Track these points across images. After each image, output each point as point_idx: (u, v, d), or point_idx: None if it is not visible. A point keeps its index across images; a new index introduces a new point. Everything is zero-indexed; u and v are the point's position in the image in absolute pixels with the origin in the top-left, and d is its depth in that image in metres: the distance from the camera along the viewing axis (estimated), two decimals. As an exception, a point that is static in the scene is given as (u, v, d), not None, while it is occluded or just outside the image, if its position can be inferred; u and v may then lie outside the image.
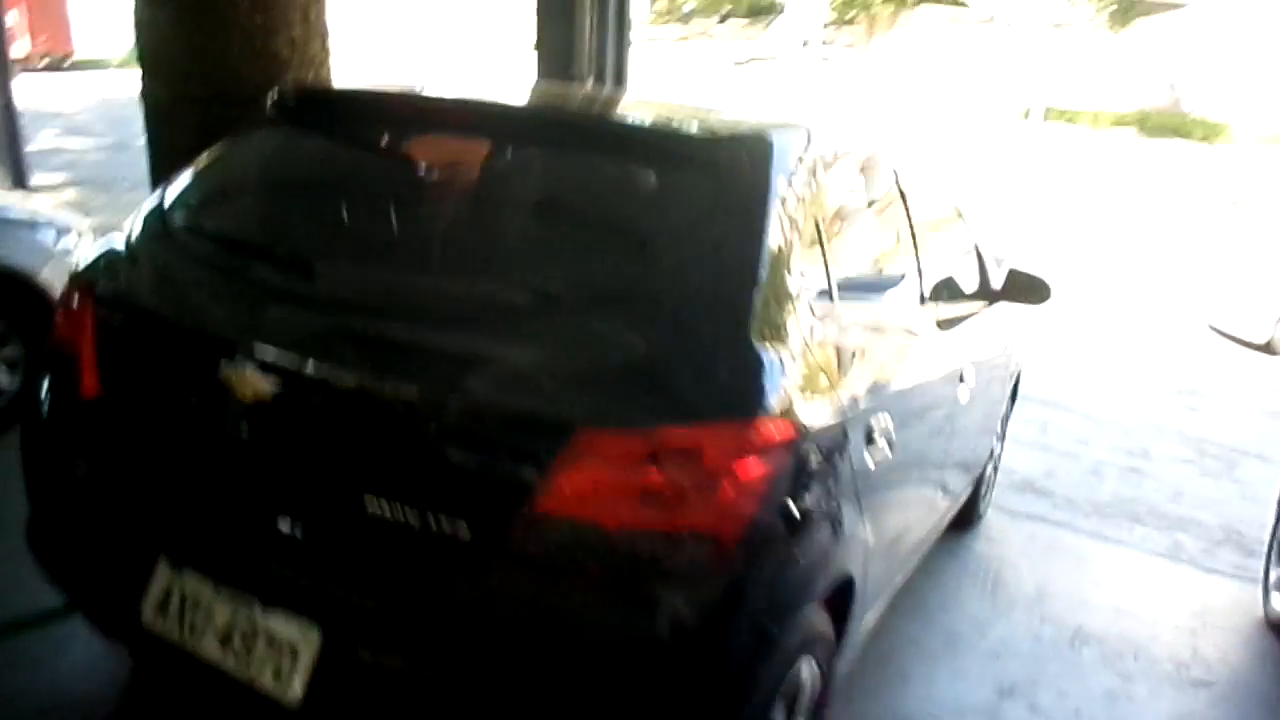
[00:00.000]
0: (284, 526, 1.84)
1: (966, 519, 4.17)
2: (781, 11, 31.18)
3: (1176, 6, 21.55)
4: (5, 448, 2.49)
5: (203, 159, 2.33)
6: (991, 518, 4.49)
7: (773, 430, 1.66)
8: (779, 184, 1.95)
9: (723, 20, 31.80)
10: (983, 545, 4.26)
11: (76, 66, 22.46)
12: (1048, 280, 3.61)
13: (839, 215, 2.30)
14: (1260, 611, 3.89)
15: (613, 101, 2.68)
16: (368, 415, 1.77)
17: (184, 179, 2.30)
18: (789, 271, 1.86)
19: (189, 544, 1.93)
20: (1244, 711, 3.31)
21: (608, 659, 1.65)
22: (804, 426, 1.76)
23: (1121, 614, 3.77)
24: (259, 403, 1.80)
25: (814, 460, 1.83)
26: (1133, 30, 21.54)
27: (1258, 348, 8.41)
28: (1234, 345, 8.63)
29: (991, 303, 3.51)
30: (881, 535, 2.30)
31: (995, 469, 4.47)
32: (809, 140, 2.20)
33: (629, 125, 2.31)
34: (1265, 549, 4.06)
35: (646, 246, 1.86)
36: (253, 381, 1.78)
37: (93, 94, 18.39)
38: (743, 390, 1.67)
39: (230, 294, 1.97)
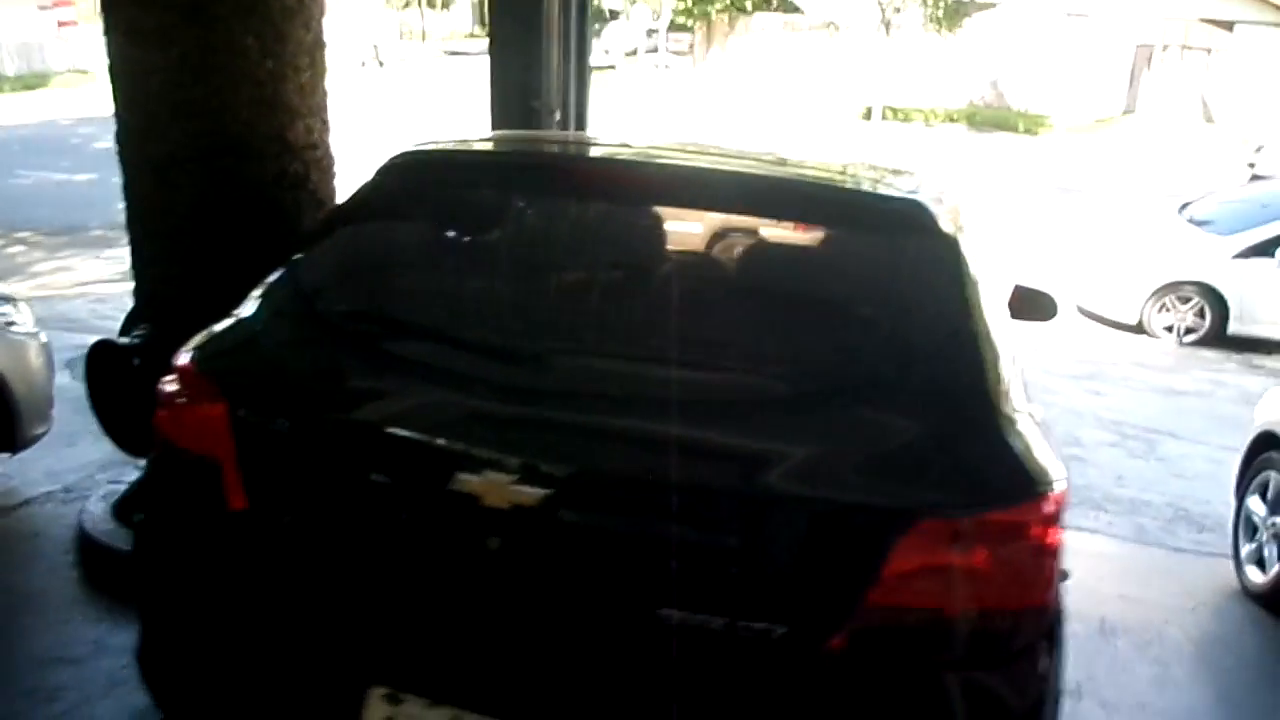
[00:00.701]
0: (548, 643, 1.70)
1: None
2: (611, 19, 31.37)
3: (991, 6, 23.02)
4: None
5: (333, 233, 2.12)
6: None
7: (1059, 499, 1.66)
8: (964, 242, 1.95)
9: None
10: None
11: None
12: (1053, 295, 3.75)
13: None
14: (1236, 583, 4.20)
15: (773, 160, 2.47)
16: (655, 518, 1.66)
17: (319, 257, 2.09)
18: (995, 333, 1.86)
19: (413, 671, 1.74)
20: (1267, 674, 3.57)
21: None
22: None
23: (1129, 601, 3.99)
24: (515, 512, 1.64)
25: None
26: (960, 31, 22.87)
27: (1129, 328, 9.04)
28: (1104, 327, 9.23)
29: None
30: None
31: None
32: (945, 191, 2.21)
33: (830, 188, 2.21)
34: (1230, 526, 4.40)
35: (881, 320, 1.84)
36: (510, 491, 1.63)
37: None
38: (1031, 465, 1.67)
39: (451, 395, 1.79)
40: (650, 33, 29.01)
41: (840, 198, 2.12)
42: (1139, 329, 9.00)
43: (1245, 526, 4.28)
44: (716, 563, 1.64)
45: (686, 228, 2.02)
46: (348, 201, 2.18)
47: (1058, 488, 1.65)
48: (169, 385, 2.00)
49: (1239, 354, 8.45)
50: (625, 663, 1.67)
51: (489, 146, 2.33)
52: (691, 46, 26.68)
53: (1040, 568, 1.61)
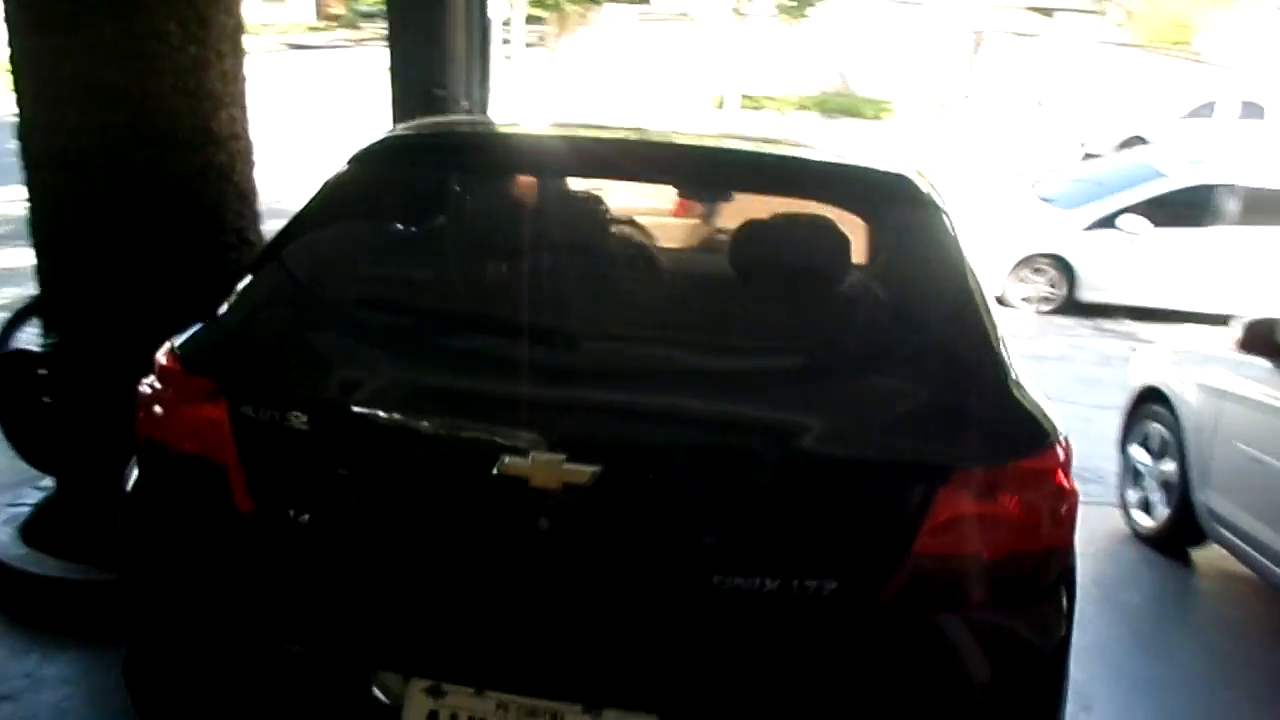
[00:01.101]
0: (602, 619, 1.70)
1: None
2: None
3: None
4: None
5: (316, 222, 2.04)
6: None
7: (1068, 447, 1.78)
8: (952, 213, 2.05)
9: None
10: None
11: None
12: None
13: None
14: (1125, 529, 4.54)
15: (776, 141, 2.51)
16: (702, 488, 1.69)
17: (304, 247, 2.01)
18: (990, 300, 1.97)
19: (452, 661, 1.72)
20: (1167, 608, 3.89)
21: (1006, 678, 1.71)
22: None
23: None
24: (561, 493, 1.64)
25: None
26: (807, 20, 23.53)
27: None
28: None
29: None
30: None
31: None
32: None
33: (825, 164, 2.28)
34: (1117, 476, 4.75)
35: (890, 292, 1.91)
36: (554, 471, 1.62)
37: None
38: (1043, 418, 1.78)
39: (476, 378, 1.76)
40: (506, 23, 28.65)
41: (838, 172, 2.21)
42: (1000, 301, 9.57)
43: (1130, 476, 4.63)
44: (766, 527, 1.69)
45: (693, 206, 2.05)
46: (328, 190, 2.11)
47: (1064, 437, 1.77)
48: (155, 387, 1.90)
49: (1090, 319, 9.07)
50: (682, 632, 1.69)
51: (470, 130, 2.30)
52: (543, 38, 26.54)
53: (1061, 510, 1.73)
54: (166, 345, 1.95)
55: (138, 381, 3.02)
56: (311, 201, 2.10)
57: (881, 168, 2.15)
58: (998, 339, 1.87)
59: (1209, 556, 4.22)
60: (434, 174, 2.14)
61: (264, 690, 1.81)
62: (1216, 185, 9.04)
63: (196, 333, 1.97)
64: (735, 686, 1.67)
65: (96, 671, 2.89)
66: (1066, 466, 1.74)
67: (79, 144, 2.91)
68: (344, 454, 1.79)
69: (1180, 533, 4.21)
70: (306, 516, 1.78)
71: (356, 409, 1.77)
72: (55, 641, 3.01)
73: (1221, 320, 5.46)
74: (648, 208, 2.24)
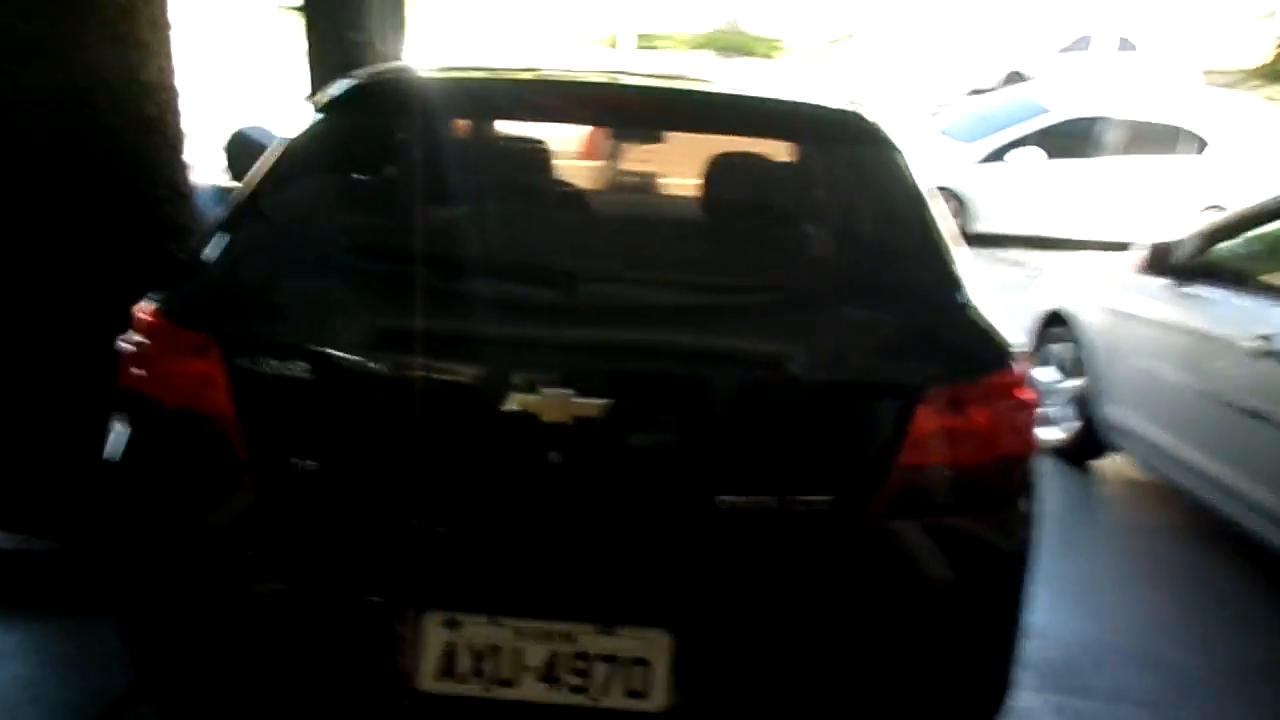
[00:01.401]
0: (611, 543, 1.78)
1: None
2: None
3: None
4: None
5: (294, 169, 2.03)
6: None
7: (1027, 361, 1.93)
8: (905, 151, 2.17)
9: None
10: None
11: None
12: None
13: None
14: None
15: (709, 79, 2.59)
16: (703, 415, 1.78)
17: (290, 191, 2.01)
18: (943, 224, 2.10)
19: (466, 594, 1.78)
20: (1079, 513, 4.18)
21: (982, 576, 1.87)
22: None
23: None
24: (571, 424, 1.71)
25: None
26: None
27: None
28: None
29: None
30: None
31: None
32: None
33: (787, 103, 2.33)
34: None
35: (858, 226, 2.01)
36: (569, 404, 1.69)
37: None
38: (1005, 339, 1.92)
39: (490, 319, 1.79)
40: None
41: (796, 111, 2.28)
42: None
43: (1037, 395, 4.92)
44: (764, 449, 1.80)
45: (666, 147, 2.11)
46: (300, 140, 2.09)
47: (1023, 353, 1.92)
48: (141, 343, 1.88)
49: (985, 249, 9.47)
50: (689, 551, 1.80)
51: (444, 73, 2.29)
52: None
53: (1024, 419, 1.88)
54: (146, 302, 1.93)
55: (71, 341, 2.94)
56: (284, 152, 2.09)
57: (835, 105, 2.25)
58: (957, 266, 2.00)
59: (1111, 466, 4.55)
60: (405, 119, 2.14)
61: (276, 635, 1.84)
62: (1096, 118, 9.50)
63: (180, 287, 1.95)
64: (740, 599, 1.79)
65: (54, 642, 2.84)
66: (1027, 379, 1.89)
67: (3, 96, 2.78)
68: (347, 399, 1.81)
69: (1086, 445, 4.52)
70: (311, 462, 1.81)
71: (359, 354, 1.80)
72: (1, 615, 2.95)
73: (1104, 246, 5.80)
74: (568, 149, 2.28)
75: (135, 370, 1.89)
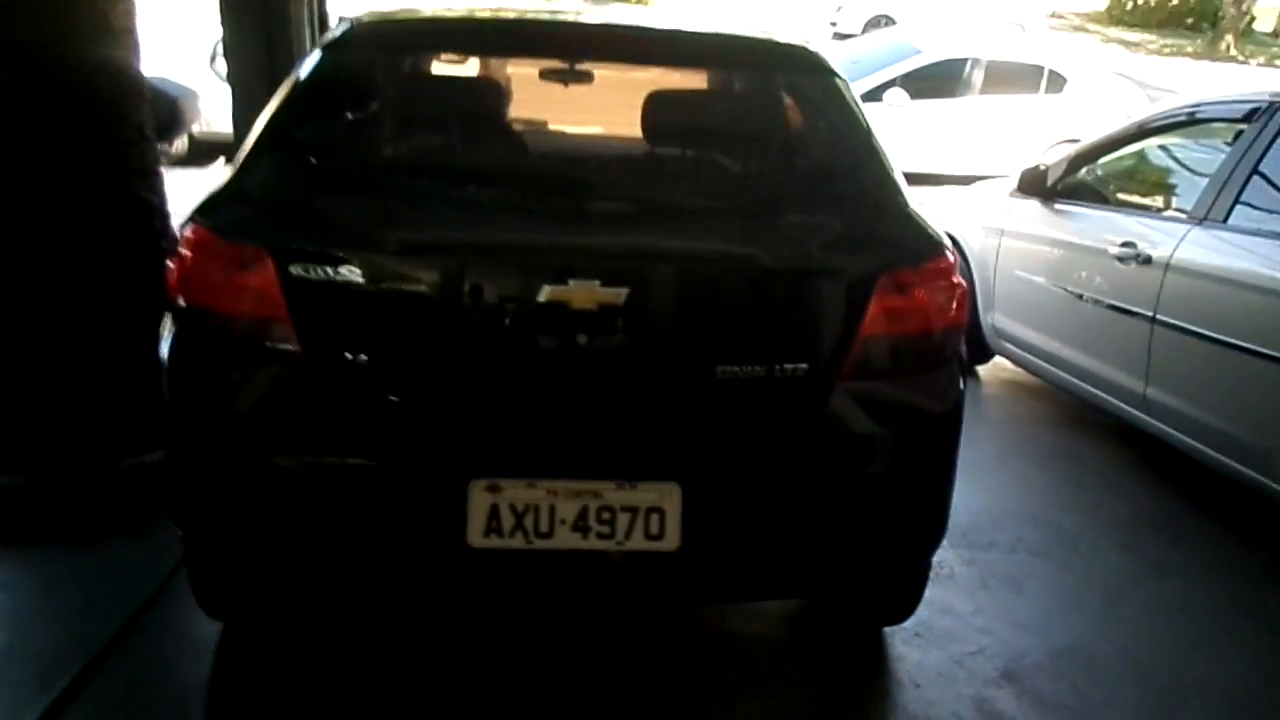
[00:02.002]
0: (628, 412, 2.11)
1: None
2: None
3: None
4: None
5: (312, 99, 2.27)
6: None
7: (954, 250, 2.34)
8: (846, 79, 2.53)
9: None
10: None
11: None
12: None
13: None
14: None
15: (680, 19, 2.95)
16: (702, 299, 2.13)
17: (311, 118, 2.27)
18: (881, 141, 2.48)
19: (508, 461, 2.07)
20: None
21: (929, 422, 2.28)
22: None
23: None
24: (600, 310, 2.02)
25: None
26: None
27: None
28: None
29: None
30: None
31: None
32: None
33: (741, 39, 2.65)
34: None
35: (811, 143, 2.37)
36: (596, 293, 2.01)
37: None
38: (937, 233, 2.31)
39: (525, 224, 2.08)
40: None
41: (752, 46, 2.62)
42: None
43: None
44: (753, 328, 2.16)
45: (646, 78, 2.42)
46: (312, 75, 2.32)
47: (951, 245, 2.33)
48: (193, 257, 2.09)
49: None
50: (693, 415, 2.15)
51: (448, 14, 2.56)
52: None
53: (956, 297, 2.28)
54: (190, 220, 2.13)
55: (45, 279, 3.05)
56: (295, 85, 2.31)
57: (787, 40, 2.61)
58: (896, 176, 2.38)
59: (991, 369, 5.12)
60: (397, 56, 2.39)
61: (336, 510, 2.10)
62: (966, 59, 10.13)
63: (221, 207, 2.17)
64: (736, 452, 2.15)
65: (37, 569, 2.94)
66: (956, 265, 2.30)
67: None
68: (391, 298, 2.08)
69: (971, 352, 5.05)
70: (364, 355, 2.07)
71: (401, 256, 2.08)
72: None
73: (971, 180, 6.34)
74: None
75: (190, 283, 2.10)
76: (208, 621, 2.61)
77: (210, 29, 9.13)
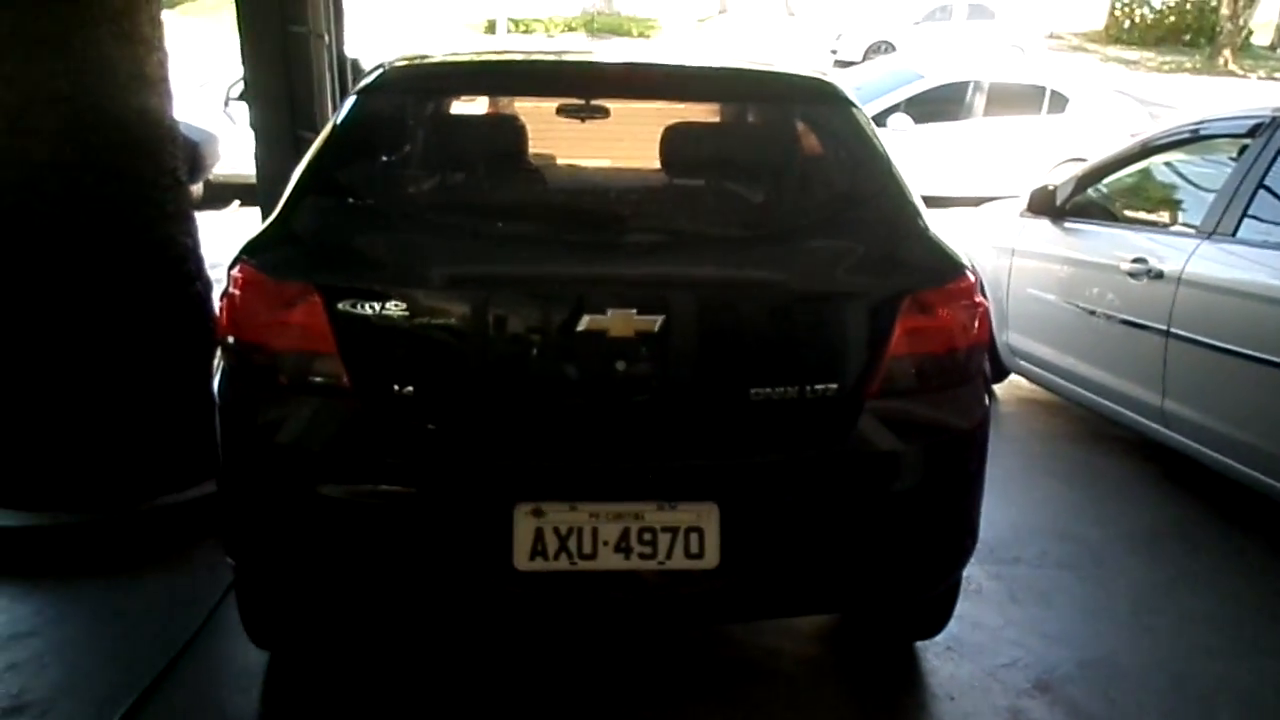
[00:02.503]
0: (667, 434, 2.18)
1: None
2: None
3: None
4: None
5: (356, 139, 2.37)
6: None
7: (977, 272, 2.41)
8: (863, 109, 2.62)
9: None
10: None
11: None
12: None
13: None
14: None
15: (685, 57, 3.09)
16: (735, 323, 2.20)
17: (351, 161, 2.35)
18: (901, 168, 2.56)
19: (551, 485, 2.13)
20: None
21: (955, 437, 2.35)
22: None
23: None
24: (637, 338, 2.09)
25: None
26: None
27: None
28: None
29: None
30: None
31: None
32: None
33: (762, 73, 2.75)
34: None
35: (835, 173, 2.46)
36: (633, 321, 2.08)
37: None
38: (960, 255, 2.38)
39: (563, 257, 2.17)
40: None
41: (772, 79, 2.72)
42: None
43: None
44: (784, 350, 2.23)
45: (665, 116, 2.52)
46: (349, 118, 2.42)
47: (973, 266, 2.41)
48: (243, 296, 2.17)
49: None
50: (729, 436, 2.21)
51: (473, 58, 2.66)
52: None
53: (979, 317, 2.35)
54: (238, 260, 2.21)
55: (84, 323, 3.12)
56: (333, 129, 2.40)
57: (807, 74, 2.70)
58: (916, 200, 2.46)
59: (1008, 387, 5.17)
60: (443, 97, 2.49)
61: (385, 537, 2.16)
62: (968, 82, 10.26)
63: (268, 247, 2.25)
64: (770, 473, 2.21)
65: (80, 605, 3.01)
66: (979, 286, 2.37)
67: (17, 90, 2.96)
68: (437, 330, 2.15)
69: (989, 371, 5.12)
70: (410, 386, 2.14)
71: (445, 291, 2.15)
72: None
73: (978, 201, 6.42)
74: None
75: (240, 321, 2.18)
76: (255, 652, 2.67)
77: (222, 72, 9.34)
